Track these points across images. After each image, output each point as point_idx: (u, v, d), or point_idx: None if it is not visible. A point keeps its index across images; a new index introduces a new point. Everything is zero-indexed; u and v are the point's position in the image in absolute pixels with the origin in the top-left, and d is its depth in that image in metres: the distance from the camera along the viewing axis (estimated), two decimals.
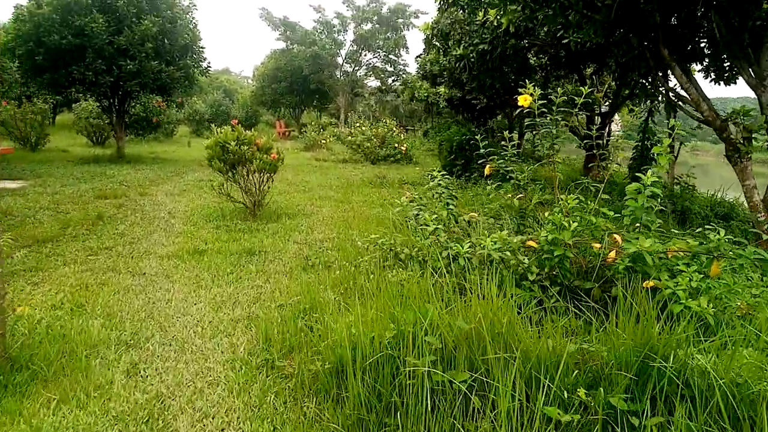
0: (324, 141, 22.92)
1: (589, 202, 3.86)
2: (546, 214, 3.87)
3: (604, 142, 12.51)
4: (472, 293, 3.00)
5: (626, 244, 3.18)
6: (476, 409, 2.36)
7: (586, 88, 12.15)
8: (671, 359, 2.21)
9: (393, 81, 38.30)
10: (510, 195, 4.05)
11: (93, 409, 2.90)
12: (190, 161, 16.13)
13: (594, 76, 12.96)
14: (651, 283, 3.06)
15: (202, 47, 16.46)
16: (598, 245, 3.62)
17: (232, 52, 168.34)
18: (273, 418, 2.86)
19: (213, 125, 8.79)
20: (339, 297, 4.50)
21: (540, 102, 4.58)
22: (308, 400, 3.02)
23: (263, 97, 35.12)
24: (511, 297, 2.96)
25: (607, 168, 14.31)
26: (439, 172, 13.48)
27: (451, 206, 3.94)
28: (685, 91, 6.10)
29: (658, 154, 3.78)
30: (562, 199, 3.67)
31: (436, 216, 3.77)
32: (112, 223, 7.60)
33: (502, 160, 4.60)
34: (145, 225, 7.59)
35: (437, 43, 11.08)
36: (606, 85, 13.52)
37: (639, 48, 6.51)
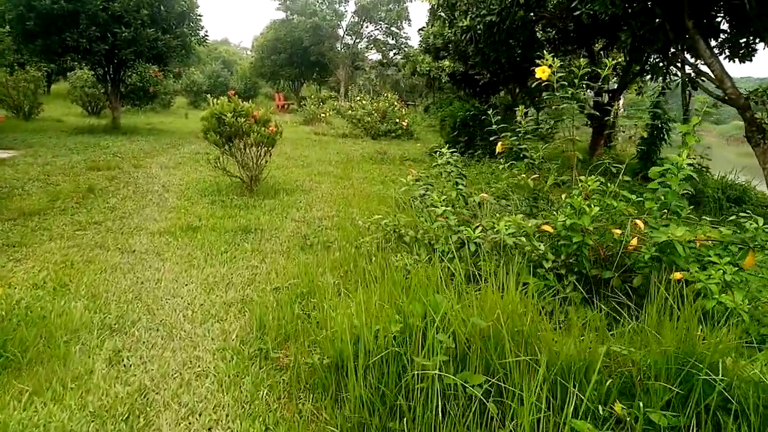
0: (324, 115, 22.50)
1: (609, 185, 3.58)
2: (563, 196, 3.59)
3: (611, 121, 12.18)
4: (486, 283, 2.73)
5: (655, 233, 2.91)
6: (492, 418, 2.11)
7: (598, 65, 11.74)
8: (719, 369, 1.95)
9: (394, 54, 37.62)
10: (524, 175, 3.76)
11: (69, 402, 2.66)
12: (187, 133, 15.74)
13: (602, 52, 12.56)
14: (680, 275, 2.79)
15: (199, 15, 15.99)
16: (618, 231, 3.35)
17: (232, 22, 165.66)
18: (265, 417, 2.62)
19: (209, 96, 8.44)
20: (339, 281, 4.25)
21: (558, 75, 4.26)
22: (304, 396, 2.77)
23: (262, 69, 34.51)
24: (534, 295, 2.69)
25: (614, 148, 14.01)
26: (442, 148, 13.18)
27: (460, 186, 3.66)
28: (709, 66, 5.77)
29: (684, 134, 3.48)
30: (581, 181, 3.39)
31: (444, 197, 3.49)
32: (104, 196, 7.31)
33: (515, 138, 4.30)
34: (137, 199, 7.30)
35: (443, 14, 10.65)
36: (615, 62, 13.10)
37: (662, 19, 6.15)
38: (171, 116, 23.13)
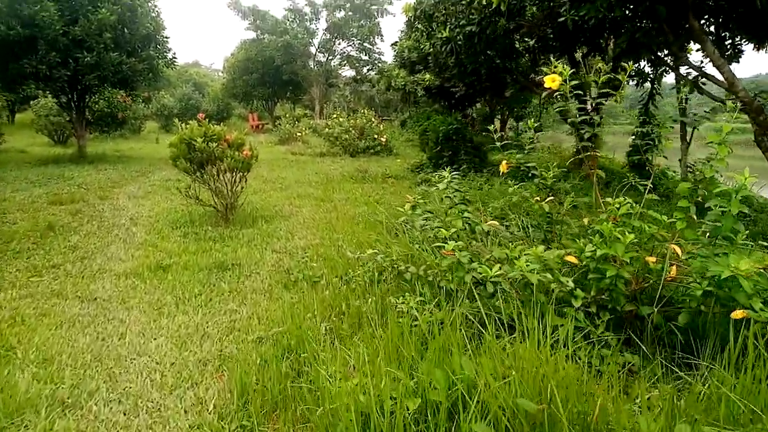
0: (300, 134, 22.01)
1: (634, 205, 3.13)
2: (585, 220, 3.15)
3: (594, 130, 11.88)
4: (524, 337, 2.25)
5: (712, 265, 2.47)
6: None
7: (582, 72, 11.42)
8: None
9: (368, 70, 37.39)
10: (537, 198, 3.32)
11: None
12: (157, 159, 15.10)
13: (584, 59, 12.30)
14: (742, 314, 2.35)
15: (166, 37, 15.41)
16: (653, 259, 2.90)
17: (202, 44, 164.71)
18: None
19: (176, 120, 7.89)
20: (330, 324, 3.73)
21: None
22: None
23: (234, 90, 33.90)
24: (598, 369, 2.20)
25: (596, 158, 13.69)
26: (424, 164, 12.74)
27: (467, 214, 3.19)
28: (718, 68, 5.42)
29: (717, 144, 3.05)
30: (608, 203, 2.95)
31: (452, 230, 3.02)
32: (64, 233, 6.69)
33: (520, 154, 3.86)
34: (102, 235, 6.70)
35: (420, 26, 10.28)
36: (595, 69, 12.87)
37: (662, 21, 5.80)
38: (141, 142, 22.40)
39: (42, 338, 3.71)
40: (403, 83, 27.57)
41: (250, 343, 3.62)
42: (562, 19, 8.10)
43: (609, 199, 2.97)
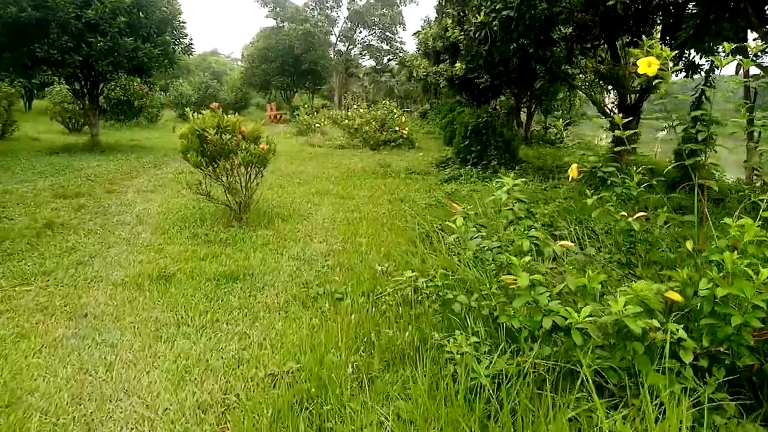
0: (318, 125, 21.34)
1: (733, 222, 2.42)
2: (687, 244, 2.45)
3: (635, 123, 11.09)
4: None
5: None
6: None
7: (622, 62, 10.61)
8: None
9: (389, 60, 36.67)
10: (622, 213, 2.63)
11: None
12: (172, 150, 14.51)
13: (626, 48, 11.46)
14: None
15: (182, 22, 14.82)
16: None
17: (221, 33, 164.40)
18: None
19: (187, 109, 7.28)
20: (358, 360, 3.08)
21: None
22: None
23: (253, 79, 33.36)
24: None
25: (635, 152, 12.86)
26: (449, 158, 12.02)
27: (533, 231, 2.52)
28: None
29: None
30: (729, 225, 2.25)
31: (524, 258, 2.34)
32: (63, 233, 6.12)
33: (594, 156, 3.14)
34: (103, 235, 6.12)
35: (451, 10, 9.57)
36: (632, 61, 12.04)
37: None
38: (158, 131, 21.92)
39: (13, 370, 3.11)
40: (425, 73, 26.80)
41: (260, 382, 2.98)
42: (612, 2, 7.33)
43: (729, 220, 2.27)
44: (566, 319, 2.14)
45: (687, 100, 11.07)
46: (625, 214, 2.66)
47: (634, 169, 2.97)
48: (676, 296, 2.30)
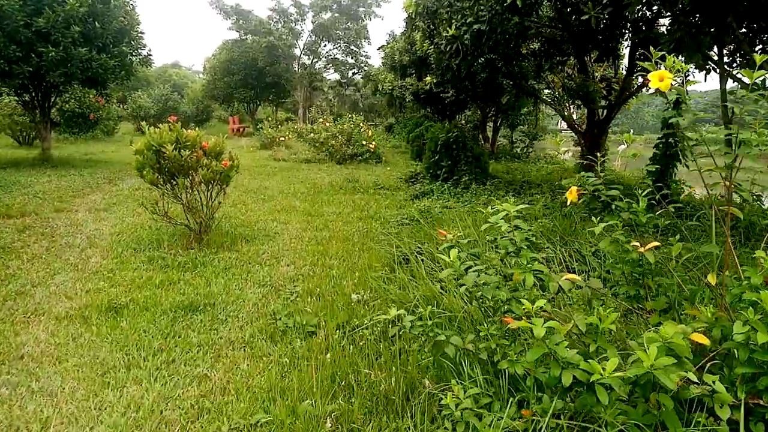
0: (283, 138, 20.89)
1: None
2: (711, 279, 2.18)
3: (603, 139, 11.07)
4: None
5: None
6: None
7: (589, 76, 10.54)
8: None
9: (354, 74, 36.46)
10: (634, 243, 2.35)
11: None
12: (128, 164, 13.86)
13: (592, 63, 11.46)
14: None
15: (141, 32, 14.24)
16: None
17: (183, 45, 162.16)
18: None
19: (143, 122, 6.79)
20: (337, 409, 2.71)
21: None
22: None
23: (215, 91, 32.63)
24: None
25: (603, 167, 12.85)
26: (418, 174, 11.76)
27: (537, 264, 2.22)
28: None
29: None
30: (761, 258, 1.99)
31: (538, 301, 2.02)
32: (4, 257, 5.56)
33: (594, 179, 2.86)
34: (48, 260, 5.58)
35: (421, 24, 9.34)
36: (606, 74, 12.09)
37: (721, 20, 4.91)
38: (114, 144, 21.11)
39: None
40: (390, 87, 26.69)
41: None
42: (586, 17, 7.21)
43: (761, 253, 2.01)
44: (589, 373, 1.82)
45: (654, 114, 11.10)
46: (637, 244, 2.38)
47: (640, 192, 2.69)
48: (702, 339, 2.02)
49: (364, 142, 16.86)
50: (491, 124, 23.03)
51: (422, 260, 4.40)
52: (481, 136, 20.50)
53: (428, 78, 11.21)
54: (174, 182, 6.24)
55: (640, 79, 9.94)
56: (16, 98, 15.06)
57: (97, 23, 12.56)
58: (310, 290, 4.70)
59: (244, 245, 6.33)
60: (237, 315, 4.20)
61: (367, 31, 32.06)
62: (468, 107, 26.91)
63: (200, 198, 6.31)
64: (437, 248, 4.52)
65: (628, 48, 9.99)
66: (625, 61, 11.33)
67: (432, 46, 9.37)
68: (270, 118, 24.14)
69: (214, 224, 6.63)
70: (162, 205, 6.17)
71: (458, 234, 2.74)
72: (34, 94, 13.38)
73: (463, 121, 30.01)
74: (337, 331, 3.69)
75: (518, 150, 18.95)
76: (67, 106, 20.17)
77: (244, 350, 3.60)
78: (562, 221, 5.56)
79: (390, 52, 21.25)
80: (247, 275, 5.23)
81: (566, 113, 11.49)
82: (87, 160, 14.77)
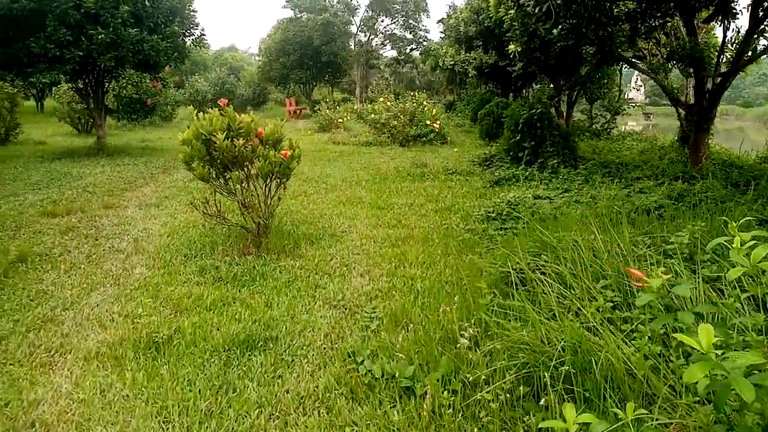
0: (341, 120, 19.96)
1: None
2: None
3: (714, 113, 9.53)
4: None
5: None
6: None
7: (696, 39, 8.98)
8: None
9: (411, 50, 35.11)
10: None
11: None
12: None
13: (699, 25, 9.89)
14: None
15: (193, 11, 13.51)
16: None
17: (238, 28, 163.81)
18: None
19: (190, 107, 5.91)
20: None
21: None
22: None
23: (271, 73, 32.08)
24: None
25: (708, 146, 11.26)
26: (493, 155, 10.56)
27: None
28: None
29: None
30: None
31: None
32: (39, 268, 4.86)
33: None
34: (88, 270, 4.83)
35: None
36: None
37: None
38: (172, 130, 20.74)
39: None
40: (452, 62, 25.36)
41: None
42: None
43: None
44: None
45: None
46: None
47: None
48: None
49: (428, 122, 15.72)
50: (564, 98, 21.40)
51: (544, 282, 3.32)
52: (554, 111, 18.97)
53: (512, 46, 9.92)
54: (227, 175, 5.39)
55: (763, 41, 8.37)
56: (69, 85, 14.74)
57: (147, 2, 11.89)
58: (393, 315, 3.72)
59: (309, 248, 5.42)
60: (306, 354, 3.27)
61: (426, 3, 30.65)
62: (539, 81, 25.28)
63: (257, 194, 5.43)
64: (562, 263, 3.43)
65: (750, 3, 8.40)
66: (742, 21, 9.72)
67: (515, 9, 8.11)
68: (327, 99, 23.26)
69: (273, 223, 5.75)
70: (214, 203, 5.32)
71: (665, 276, 1.68)
72: (87, 81, 12.91)
73: (531, 97, 28.33)
74: (443, 388, 2.69)
75: (598, 126, 17.31)
76: (124, 92, 19.91)
77: (319, 414, 2.67)
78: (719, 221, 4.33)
79: (454, 24, 19.88)
80: (315, 291, 4.31)
81: (666, 83, 9.96)
82: (143, 148, 14.31)
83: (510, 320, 3.02)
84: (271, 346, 3.35)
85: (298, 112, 29.23)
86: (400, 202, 7.62)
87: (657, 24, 9.91)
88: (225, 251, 5.27)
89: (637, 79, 44.54)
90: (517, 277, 3.50)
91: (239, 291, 4.27)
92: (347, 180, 9.48)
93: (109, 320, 3.77)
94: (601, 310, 2.82)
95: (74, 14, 10.73)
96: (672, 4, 8.74)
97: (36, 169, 10.32)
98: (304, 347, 3.35)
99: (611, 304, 2.89)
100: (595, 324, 2.67)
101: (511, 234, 5.19)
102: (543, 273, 3.41)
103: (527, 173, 8.50)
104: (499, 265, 3.97)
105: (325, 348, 3.35)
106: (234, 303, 4.03)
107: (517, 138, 9.26)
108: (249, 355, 3.25)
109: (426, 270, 4.72)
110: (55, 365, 3.18)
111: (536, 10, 7.28)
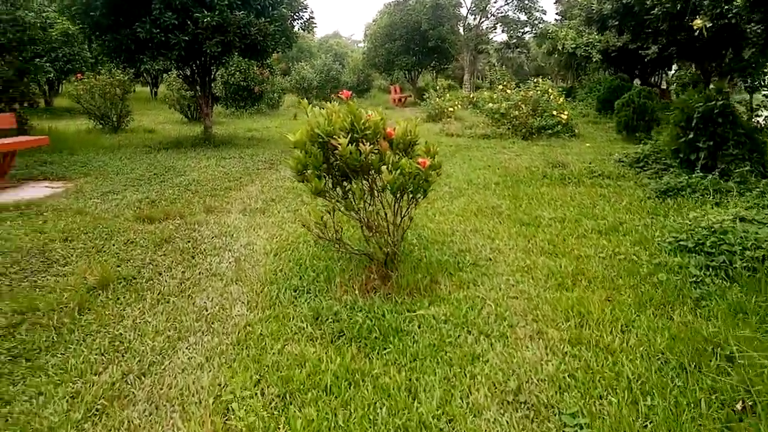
0: (452, 109, 18.50)
1: None
2: None
3: None
4: None
5: None
6: None
7: None
8: None
9: (523, 33, 32.81)
10: None
11: None
12: (292, 142, 12.51)
13: None
14: None
15: None
16: None
17: (342, 14, 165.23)
18: None
19: (303, 100, 4.75)
20: None
21: None
22: None
23: (376, 59, 31.09)
24: None
25: None
26: (659, 157, 8.76)
27: None
28: None
29: None
30: None
31: None
32: (119, 301, 3.93)
33: None
34: (178, 306, 3.84)
35: None
36: None
37: None
38: (279, 118, 20.34)
39: None
40: (574, 46, 23.12)
41: None
42: None
43: None
44: None
45: None
46: None
47: None
48: None
49: (554, 112, 13.95)
50: (711, 86, 18.70)
51: None
52: None
53: (698, 21, 8.06)
54: (346, 186, 4.22)
55: None
56: (176, 72, 14.40)
57: None
58: (600, 424, 2.36)
59: (448, 284, 4.16)
60: None
61: None
62: (673, 64, 22.57)
63: (384, 212, 4.22)
64: None
65: None
66: None
67: None
68: (436, 86, 21.86)
69: (402, 248, 4.54)
70: (332, 223, 4.18)
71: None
72: (194, 68, 12.39)
73: (665, 84, 25.40)
74: None
75: (762, 121, 14.71)
76: (232, 79, 19.62)
77: None
78: None
79: (586, 2, 17.75)
80: (472, 365, 3.02)
81: None
82: (249, 138, 13.69)
83: None
84: None
85: (402, 99, 28.08)
86: (547, 216, 6.17)
87: None
88: (343, 284, 4.11)
89: None
90: None
91: (368, 360, 3.07)
92: (473, 182, 8.11)
93: (194, 404, 2.69)
94: None
95: None
96: None
97: (141, 161, 9.81)
98: None
99: None
100: None
101: (722, 276, 3.64)
102: None
103: (706, 182, 6.72)
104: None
105: None
106: (363, 383, 2.83)
107: (690, 136, 7.43)
108: None
109: (625, 336, 3.31)
110: None
111: None
